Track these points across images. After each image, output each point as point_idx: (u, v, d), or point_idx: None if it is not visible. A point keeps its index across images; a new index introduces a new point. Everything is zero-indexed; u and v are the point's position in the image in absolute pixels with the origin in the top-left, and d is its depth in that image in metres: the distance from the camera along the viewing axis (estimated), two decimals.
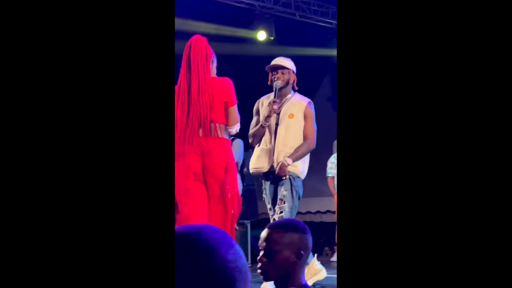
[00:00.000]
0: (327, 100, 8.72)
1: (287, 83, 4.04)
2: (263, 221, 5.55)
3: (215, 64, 3.30)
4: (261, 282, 3.51)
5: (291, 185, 3.89)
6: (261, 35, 7.83)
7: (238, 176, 3.81)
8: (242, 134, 3.80)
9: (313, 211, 7.29)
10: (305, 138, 3.98)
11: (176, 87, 3.17)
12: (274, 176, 3.94)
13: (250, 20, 7.81)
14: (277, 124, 3.99)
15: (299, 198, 3.95)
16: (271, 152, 3.96)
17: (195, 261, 0.94)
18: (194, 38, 3.25)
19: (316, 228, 7.24)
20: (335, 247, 6.55)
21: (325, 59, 8.60)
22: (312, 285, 3.83)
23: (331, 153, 6.63)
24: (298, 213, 5.85)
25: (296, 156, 3.90)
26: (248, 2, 7.54)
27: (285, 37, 8.08)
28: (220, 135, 3.15)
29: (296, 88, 4.11)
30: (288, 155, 3.89)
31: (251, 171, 4.12)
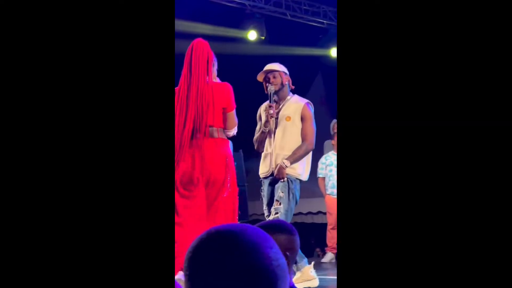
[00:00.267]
0: (318, 100, 8.73)
1: (282, 85, 4.04)
2: (254, 223, 5.54)
3: (216, 67, 3.35)
4: None
5: (289, 187, 3.89)
6: (252, 35, 7.81)
7: None
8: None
9: (304, 212, 7.28)
10: (303, 139, 3.98)
11: (176, 89, 3.21)
12: (273, 178, 3.95)
13: (240, 19, 7.79)
14: (275, 128, 4.01)
15: (296, 203, 3.94)
16: (271, 156, 3.98)
17: (241, 258, 0.96)
18: (195, 41, 3.30)
19: (307, 229, 7.23)
20: (326, 248, 6.54)
21: (316, 59, 8.59)
22: None
23: (322, 154, 6.62)
24: None
25: (294, 158, 3.90)
26: (239, 1, 7.51)
27: (276, 37, 8.06)
28: (217, 137, 3.21)
29: (292, 87, 4.10)
30: (285, 157, 3.89)
31: (260, 176, 4.13)
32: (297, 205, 4.01)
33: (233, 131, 3.33)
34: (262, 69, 4.11)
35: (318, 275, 4.08)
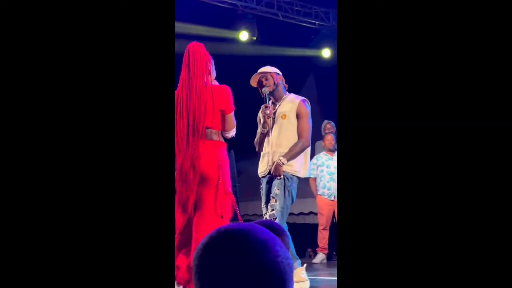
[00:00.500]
0: (310, 101, 8.72)
1: (275, 85, 4.06)
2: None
3: (213, 68, 3.39)
4: None
5: (284, 185, 3.91)
6: (244, 35, 7.81)
7: None
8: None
9: (296, 212, 7.29)
10: (299, 136, 4.00)
11: (176, 92, 3.26)
12: (271, 176, 3.98)
13: (232, 20, 7.78)
14: (272, 127, 4.04)
15: (292, 200, 3.96)
16: (269, 155, 4.01)
17: (252, 255, 0.98)
18: (191, 45, 3.33)
19: (299, 230, 7.23)
20: (317, 249, 6.55)
21: (307, 60, 8.60)
22: None
23: (314, 154, 6.63)
24: None
25: (290, 155, 3.92)
26: (231, 2, 7.50)
27: (267, 38, 8.06)
28: (214, 139, 3.26)
29: (286, 85, 4.12)
30: (282, 155, 3.91)
31: (259, 175, 4.15)
32: (293, 203, 4.03)
33: (232, 133, 3.37)
34: (254, 70, 4.12)
35: (309, 275, 4.09)
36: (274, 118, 4.03)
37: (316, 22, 8.33)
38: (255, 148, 4.25)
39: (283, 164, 3.89)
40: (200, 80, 3.23)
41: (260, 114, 4.15)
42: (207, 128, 3.24)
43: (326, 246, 6.60)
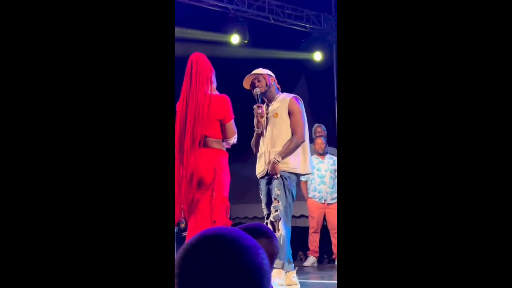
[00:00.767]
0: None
1: (267, 86, 4.08)
2: (236, 225, 5.53)
3: (214, 78, 3.48)
4: None
5: (284, 184, 3.92)
6: (235, 39, 7.81)
7: None
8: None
9: None
10: (292, 132, 4.02)
11: (178, 103, 3.39)
12: (270, 177, 3.98)
13: (224, 23, 7.79)
14: (266, 127, 4.06)
15: (293, 199, 3.98)
16: (265, 155, 4.02)
17: (241, 256, 1.04)
18: (194, 55, 3.44)
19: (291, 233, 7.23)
20: (308, 252, 6.55)
21: (299, 63, 8.61)
22: None
23: None
24: None
25: (285, 152, 3.95)
26: (222, 5, 7.51)
27: (259, 41, 8.07)
28: (214, 147, 3.36)
29: (279, 87, 4.14)
30: (277, 153, 3.93)
31: (257, 176, 4.17)
32: (294, 201, 4.04)
33: (233, 140, 3.46)
34: (245, 72, 4.13)
35: (300, 279, 4.09)
36: (267, 118, 4.04)
37: (307, 25, 8.35)
38: (245, 150, 4.25)
39: (278, 162, 3.89)
40: (201, 90, 3.33)
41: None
42: (206, 136, 3.32)
43: (317, 249, 6.60)
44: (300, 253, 7.26)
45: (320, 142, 6.57)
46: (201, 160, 3.29)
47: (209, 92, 3.38)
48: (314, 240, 6.57)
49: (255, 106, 4.01)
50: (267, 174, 4.00)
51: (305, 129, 4.07)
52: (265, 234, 1.83)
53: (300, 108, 4.08)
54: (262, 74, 4.09)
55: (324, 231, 6.65)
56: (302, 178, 6.54)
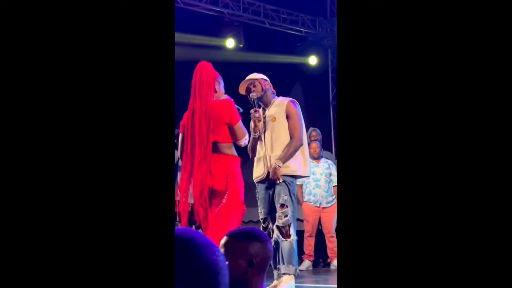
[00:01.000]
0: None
1: (263, 91, 4.09)
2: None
3: (221, 84, 3.60)
4: None
5: (289, 189, 3.92)
6: (230, 43, 7.83)
7: None
8: None
9: None
10: (291, 136, 4.02)
11: (186, 113, 3.51)
12: (269, 181, 3.97)
13: (219, 27, 7.80)
14: (264, 131, 4.06)
15: (298, 202, 3.99)
16: (264, 159, 4.01)
17: (195, 255, 1.12)
18: (200, 64, 3.55)
19: None
20: (303, 256, 6.55)
21: (294, 67, 8.63)
22: None
23: None
24: None
25: (285, 157, 3.94)
26: (217, 9, 7.52)
27: (254, 45, 8.09)
28: (224, 152, 3.44)
29: (274, 91, 4.14)
30: (277, 157, 3.93)
31: (254, 180, 4.15)
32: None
33: (244, 141, 3.54)
34: (240, 76, 4.13)
35: (295, 282, 4.08)
36: (264, 123, 4.04)
37: (303, 29, 8.37)
38: (241, 154, 4.24)
39: (280, 167, 3.89)
40: (206, 98, 3.44)
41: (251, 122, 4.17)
42: (217, 142, 3.42)
43: (312, 253, 6.60)
44: None
45: (315, 146, 6.58)
46: (212, 168, 3.37)
47: (214, 99, 3.48)
48: (309, 244, 6.57)
49: (252, 111, 4.00)
50: (266, 178, 3.98)
51: (302, 132, 4.07)
52: (259, 238, 1.83)
53: (298, 111, 4.08)
54: (257, 79, 4.09)
55: (319, 235, 6.66)
56: (297, 182, 6.55)
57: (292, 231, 3.88)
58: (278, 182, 3.90)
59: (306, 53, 8.60)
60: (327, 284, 5.20)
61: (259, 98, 4.06)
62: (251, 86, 4.07)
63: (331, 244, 6.52)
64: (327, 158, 6.77)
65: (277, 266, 3.94)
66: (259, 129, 4.01)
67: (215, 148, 3.42)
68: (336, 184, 6.52)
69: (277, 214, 3.90)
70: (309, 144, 6.63)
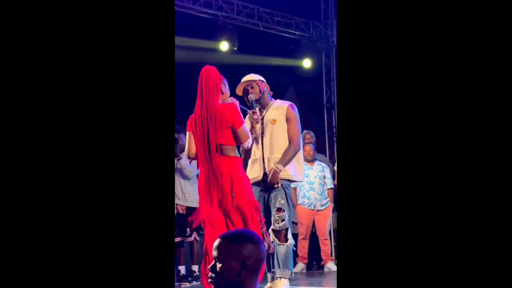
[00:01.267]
0: None
1: (261, 92, 4.09)
2: None
3: (227, 86, 3.69)
4: None
5: (286, 193, 3.93)
6: (224, 46, 7.82)
7: None
8: None
9: None
10: (290, 140, 4.02)
11: (192, 115, 3.63)
12: (265, 184, 3.96)
13: (213, 30, 7.79)
14: (262, 133, 4.04)
15: (293, 206, 3.99)
16: (261, 161, 4.01)
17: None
18: (204, 68, 3.65)
19: None
20: (297, 259, 6.55)
21: (288, 70, 8.64)
22: None
23: None
24: None
25: (285, 161, 3.94)
26: (211, 12, 7.52)
27: (248, 48, 8.09)
28: (229, 155, 3.54)
29: (271, 93, 4.13)
30: (277, 161, 3.93)
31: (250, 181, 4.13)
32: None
33: (248, 144, 3.62)
34: (234, 79, 4.12)
35: (291, 285, 4.08)
36: (262, 124, 4.04)
37: (297, 32, 8.38)
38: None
39: (280, 170, 3.89)
40: (211, 101, 3.54)
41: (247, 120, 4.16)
42: (221, 145, 3.51)
43: (306, 255, 6.60)
44: None
45: (309, 149, 6.58)
46: (216, 168, 3.46)
47: (219, 102, 3.57)
48: (303, 247, 6.57)
49: (250, 112, 4.00)
50: (262, 181, 3.97)
51: (300, 137, 4.08)
52: (252, 240, 1.83)
53: (297, 116, 4.08)
54: (255, 80, 4.09)
55: (313, 237, 6.66)
56: (292, 185, 6.54)
57: (290, 236, 3.88)
58: (276, 185, 3.89)
59: (300, 56, 8.61)
60: (321, 286, 5.20)
61: (257, 100, 4.06)
62: (249, 88, 4.07)
63: (325, 247, 6.52)
64: (321, 161, 6.78)
65: (272, 270, 3.93)
66: (255, 131, 4.01)
67: (220, 150, 3.50)
68: (330, 187, 6.53)
69: (273, 218, 3.89)
70: (303, 147, 6.65)
